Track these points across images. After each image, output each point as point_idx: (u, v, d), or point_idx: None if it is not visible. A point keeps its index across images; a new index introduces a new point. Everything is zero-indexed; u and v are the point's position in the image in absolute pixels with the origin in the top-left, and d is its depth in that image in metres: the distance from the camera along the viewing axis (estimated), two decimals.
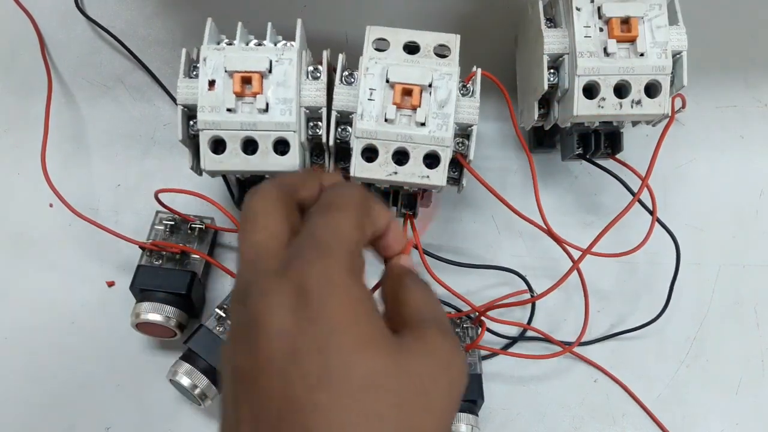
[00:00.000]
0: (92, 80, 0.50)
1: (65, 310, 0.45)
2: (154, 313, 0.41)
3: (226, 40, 0.38)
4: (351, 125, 0.37)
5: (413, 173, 0.37)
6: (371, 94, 0.37)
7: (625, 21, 0.37)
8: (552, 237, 0.42)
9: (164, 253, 0.43)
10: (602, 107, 0.38)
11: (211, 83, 0.37)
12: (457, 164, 0.39)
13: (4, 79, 0.50)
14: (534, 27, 0.40)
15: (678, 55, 0.38)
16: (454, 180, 0.39)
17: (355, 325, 0.22)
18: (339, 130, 0.38)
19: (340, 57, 0.38)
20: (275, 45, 0.38)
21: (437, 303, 0.27)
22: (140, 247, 0.43)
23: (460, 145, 0.38)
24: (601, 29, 0.38)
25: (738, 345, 0.47)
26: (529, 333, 0.46)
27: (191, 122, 0.38)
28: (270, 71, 0.37)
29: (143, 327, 0.42)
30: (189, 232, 0.45)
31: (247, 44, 0.38)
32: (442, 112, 0.36)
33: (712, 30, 0.46)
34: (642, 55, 0.37)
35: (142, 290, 0.42)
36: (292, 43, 0.38)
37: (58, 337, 0.45)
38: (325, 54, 0.39)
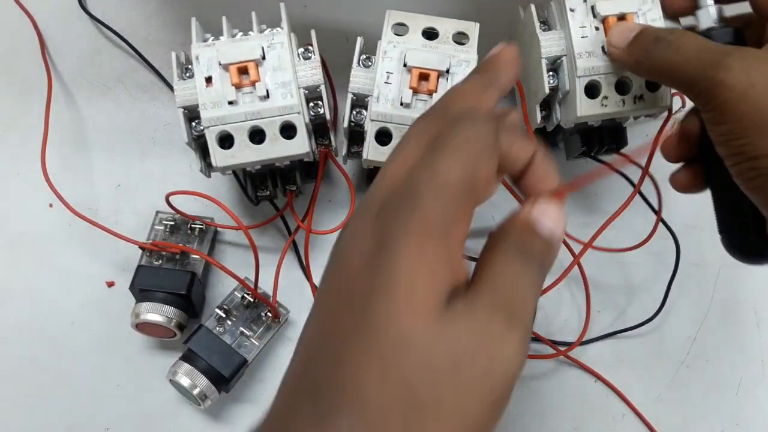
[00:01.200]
0: (92, 80, 0.50)
1: (65, 310, 0.45)
2: (154, 313, 0.41)
3: (212, 38, 0.39)
4: (366, 109, 0.38)
5: None
6: (388, 77, 0.37)
7: (621, 18, 0.37)
8: None
9: (164, 253, 0.43)
10: (605, 105, 0.38)
11: (208, 80, 0.37)
12: None
13: (4, 79, 0.50)
14: (528, 31, 0.40)
15: None
16: None
17: (410, 278, 0.21)
18: (354, 113, 0.38)
19: (359, 40, 0.38)
20: (262, 33, 0.38)
21: (521, 280, 0.23)
22: (140, 247, 0.43)
23: None
24: (597, 28, 0.38)
25: (738, 345, 0.47)
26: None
27: (193, 123, 0.38)
28: (264, 58, 0.37)
29: (143, 327, 0.42)
30: (189, 232, 0.45)
31: (234, 37, 0.39)
32: None
33: None
34: None
35: (142, 290, 0.42)
36: (278, 29, 0.38)
37: (58, 337, 0.45)
38: (313, 33, 0.39)
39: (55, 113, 0.47)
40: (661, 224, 0.44)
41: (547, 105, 0.42)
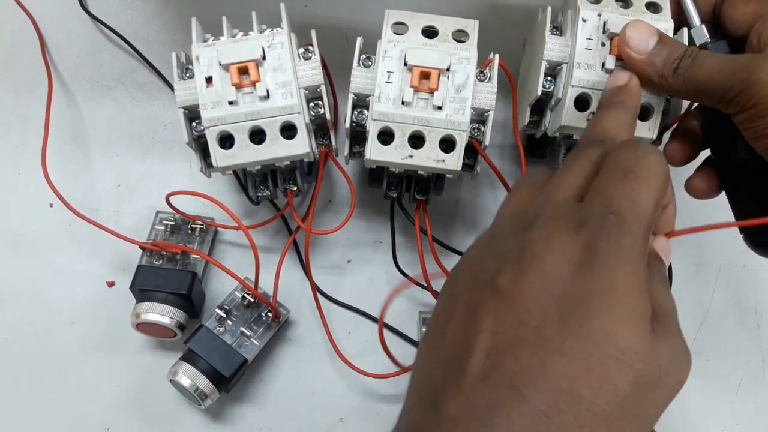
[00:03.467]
0: (93, 80, 0.50)
1: (65, 310, 0.45)
2: (154, 313, 0.41)
3: (212, 38, 0.39)
4: (367, 108, 0.38)
5: (429, 157, 0.37)
6: (389, 76, 0.37)
7: None
8: None
9: (164, 253, 0.43)
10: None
11: (209, 80, 0.37)
12: (472, 151, 0.39)
13: (4, 79, 0.50)
14: (540, 32, 0.40)
15: None
16: (469, 167, 0.40)
17: (629, 297, 0.23)
18: (355, 113, 0.38)
19: (359, 40, 0.38)
20: (262, 33, 0.38)
21: (675, 306, 0.26)
22: (140, 247, 0.43)
23: (476, 131, 0.38)
24: (603, 44, 0.37)
25: (738, 345, 0.47)
26: None
27: (194, 123, 0.38)
28: (264, 58, 0.37)
29: (143, 327, 0.42)
30: (189, 232, 0.45)
31: (234, 37, 0.39)
32: (459, 97, 0.37)
33: None
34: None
35: (142, 290, 0.42)
36: (278, 29, 0.38)
37: (58, 337, 0.45)
38: (313, 33, 0.39)
39: (55, 113, 0.47)
40: None
41: (540, 110, 0.41)
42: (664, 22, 0.37)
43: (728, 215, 0.38)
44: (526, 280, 0.24)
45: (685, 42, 0.36)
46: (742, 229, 0.36)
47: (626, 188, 0.25)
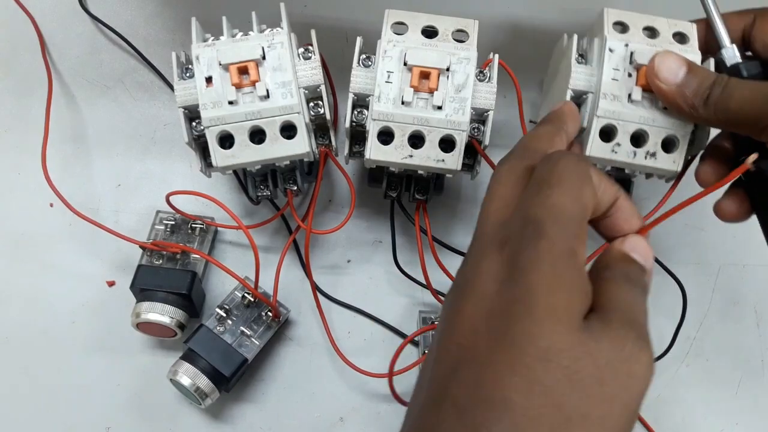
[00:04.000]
0: (92, 80, 0.50)
1: (65, 310, 0.45)
2: (155, 313, 0.41)
3: (212, 38, 0.39)
4: (367, 108, 0.38)
5: (428, 157, 0.37)
6: (389, 76, 0.37)
7: None
8: None
9: (164, 252, 0.43)
10: (616, 152, 0.37)
11: (209, 80, 0.37)
12: (472, 150, 0.39)
13: (4, 79, 0.50)
14: (565, 59, 0.40)
15: None
16: (468, 166, 0.40)
17: (548, 297, 0.23)
18: (355, 113, 0.38)
19: (359, 39, 0.38)
20: (262, 32, 0.38)
21: (636, 300, 0.26)
22: (140, 247, 0.43)
23: (476, 130, 0.39)
24: (629, 74, 0.37)
25: (738, 345, 0.47)
26: None
27: (194, 123, 0.38)
28: (264, 58, 0.37)
29: (143, 327, 0.42)
30: (189, 231, 0.45)
31: (234, 37, 0.39)
32: (459, 96, 0.37)
33: None
34: (666, 109, 0.36)
35: (142, 290, 0.42)
36: (278, 28, 0.38)
37: (58, 337, 0.45)
38: (313, 33, 0.39)
39: (55, 113, 0.47)
40: (664, 269, 0.44)
41: None
42: (692, 54, 0.36)
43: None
44: (461, 307, 0.25)
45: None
46: None
47: (540, 197, 0.25)
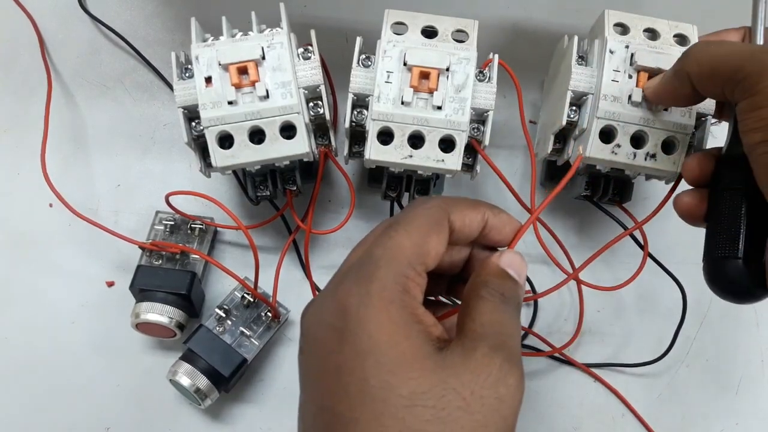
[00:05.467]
0: (92, 80, 0.50)
1: (65, 310, 0.45)
2: (154, 313, 0.41)
3: (212, 38, 0.39)
4: (367, 108, 0.38)
5: (428, 157, 0.37)
6: (389, 76, 0.37)
7: (657, 72, 0.36)
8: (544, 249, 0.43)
9: (164, 253, 0.43)
10: (615, 153, 0.37)
11: (208, 80, 0.37)
12: (472, 150, 0.39)
13: (4, 79, 0.50)
14: (565, 60, 0.40)
15: (704, 118, 0.38)
16: (468, 167, 0.40)
17: (394, 346, 0.23)
18: (355, 113, 0.38)
19: (358, 40, 0.38)
20: (261, 32, 0.38)
21: (508, 321, 0.26)
22: (140, 247, 0.43)
23: (476, 131, 0.38)
24: (630, 76, 0.37)
25: (738, 345, 0.47)
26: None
27: (193, 123, 0.38)
28: (263, 58, 0.37)
29: (143, 327, 0.42)
30: (189, 232, 0.45)
31: (234, 37, 0.39)
32: (458, 96, 0.37)
33: None
34: (666, 110, 0.37)
35: (142, 290, 0.42)
36: (278, 29, 0.38)
37: (58, 337, 0.45)
38: (313, 33, 0.39)
39: (55, 113, 0.47)
40: (659, 266, 0.44)
41: (563, 138, 0.41)
42: None
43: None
44: (308, 365, 0.25)
45: None
46: (706, 262, 0.34)
47: (384, 237, 0.26)
